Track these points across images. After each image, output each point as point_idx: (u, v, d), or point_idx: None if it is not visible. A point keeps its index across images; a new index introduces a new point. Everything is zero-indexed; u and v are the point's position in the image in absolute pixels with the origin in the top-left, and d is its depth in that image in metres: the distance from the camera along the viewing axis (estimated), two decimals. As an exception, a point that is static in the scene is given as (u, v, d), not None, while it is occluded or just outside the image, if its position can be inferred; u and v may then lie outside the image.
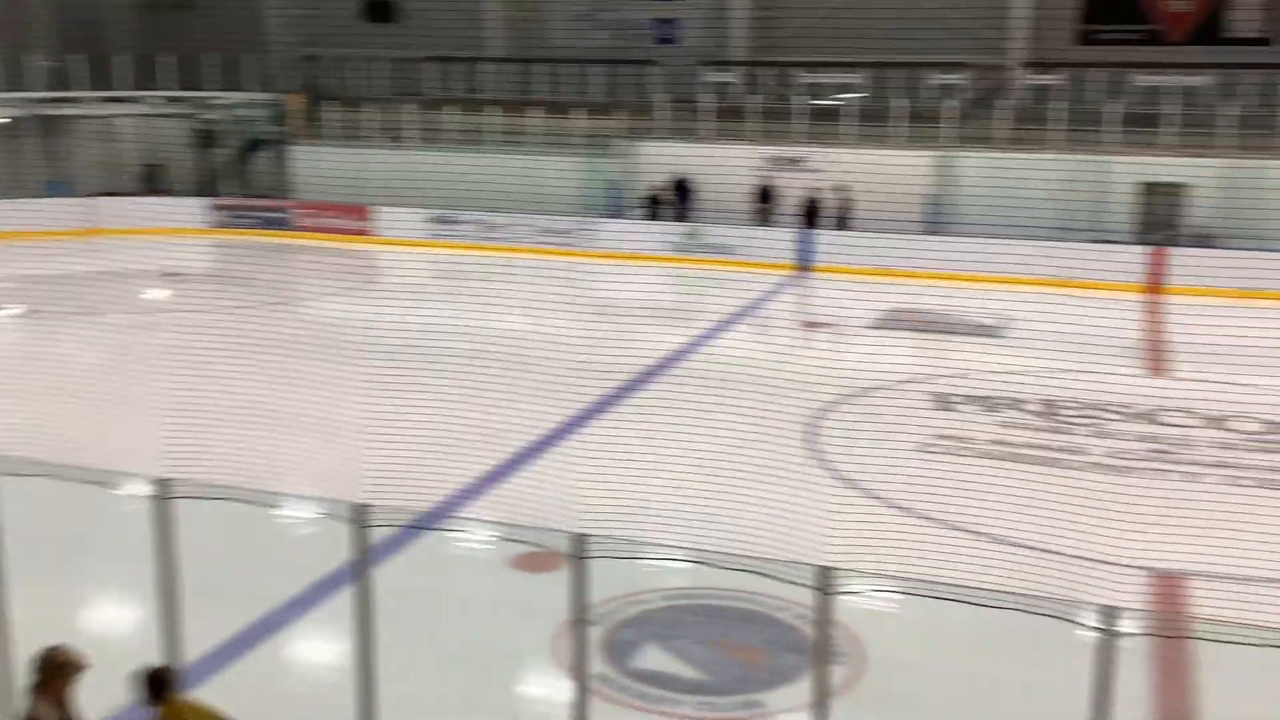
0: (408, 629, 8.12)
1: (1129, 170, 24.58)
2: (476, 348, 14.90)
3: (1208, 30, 27.84)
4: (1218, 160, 24.13)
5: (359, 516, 6.03)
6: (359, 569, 6.07)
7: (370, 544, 6.09)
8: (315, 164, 29.79)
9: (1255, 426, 13.21)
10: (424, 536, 9.50)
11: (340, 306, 20.77)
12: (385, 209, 28.25)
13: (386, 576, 8.62)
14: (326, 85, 32.85)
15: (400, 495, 9.38)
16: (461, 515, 10.29)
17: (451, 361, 14.28)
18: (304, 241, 28.35)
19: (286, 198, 30.30)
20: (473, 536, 9.85)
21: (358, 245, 27.96)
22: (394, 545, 9.21)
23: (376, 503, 6.25)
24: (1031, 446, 12.46)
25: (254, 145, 32.35)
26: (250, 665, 7.90)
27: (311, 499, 9.99)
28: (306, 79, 33.24)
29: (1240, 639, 5.30)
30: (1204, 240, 23.69)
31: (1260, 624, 6.18)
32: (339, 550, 6.25)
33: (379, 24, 33.50)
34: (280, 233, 29.01)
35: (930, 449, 12.30)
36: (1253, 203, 23.71)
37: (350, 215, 28.65)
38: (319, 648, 8.27)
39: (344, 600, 6.79)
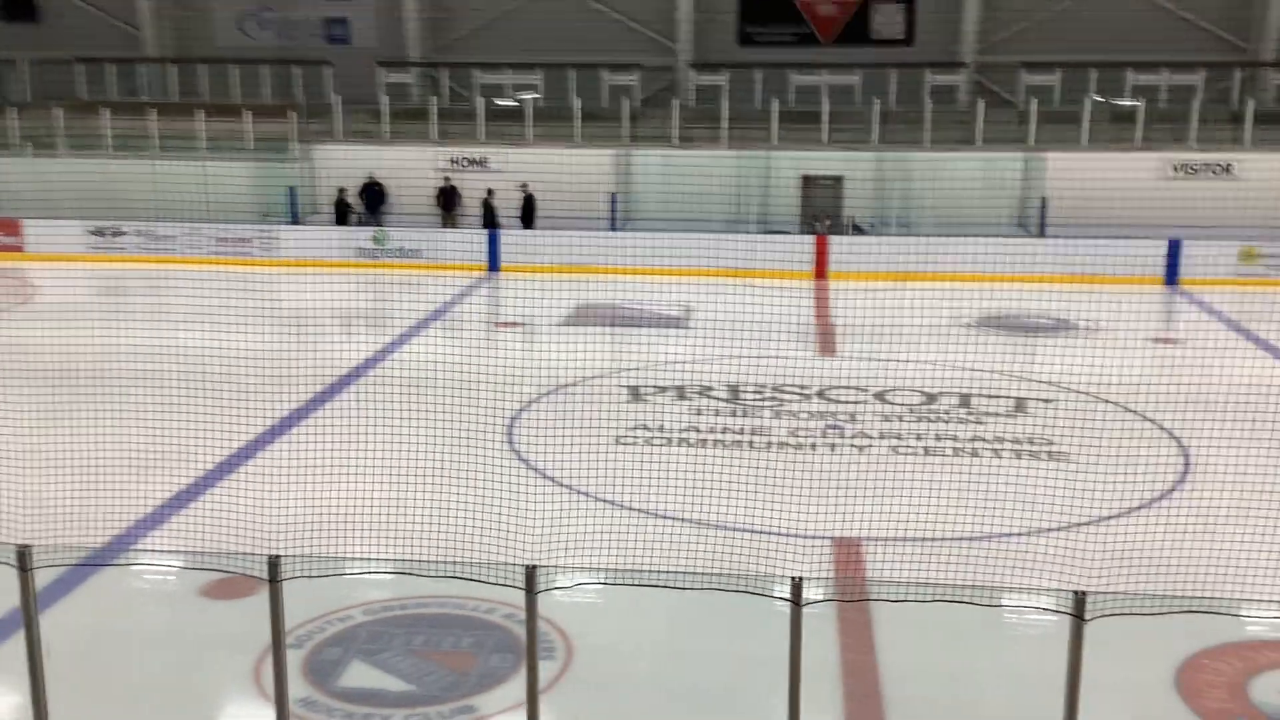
0: (88, 674, 7.54)
1: (791, 164, 26.10)
2: (149, 367, 14.00)
3: (856, 32, 30.00)
4: (868, 153, 26.05)
5: (21, 558, 5.54)
6: (25, 614, 5.57)
7: (36, 587, 5.60)
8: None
9: (915, 399, 14.35)
10: (99, 573, 8.84)
11: (-11, 330, 18.97)
12: (36, 222, 26.02)
13: (60, 620, 7.99)
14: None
15: (69, 532, 8.69)
16: (140, 548, 9.65)
17: (120, 383, 13.37)
18: (-58, 261, 25.70)
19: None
20: (155, 568, 9.26)
21: (6, 262, 25.62)
22: (65, 586, 8.52)
23: (41, 542, 5.76)
24: (720, 431, 13.02)
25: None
26: (-98, 735, 7.10)
27: (-34, 544, 9.08)
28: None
29: (911, 596, 5.74)
30: (859, 228, 25.53)
31: (927, 580, 6.73)
32: (3, 596, 5.72)
33: (19, 23, 30.83)
34: (-88, 252, 26.16)
35: (626, 440, 12.62)
36: (900, 192, 25.81)
37: (-5, 230, 26.21)
38: (-15, 706, 7.53)
39: (13, 650, 6.22)
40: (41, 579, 5.86)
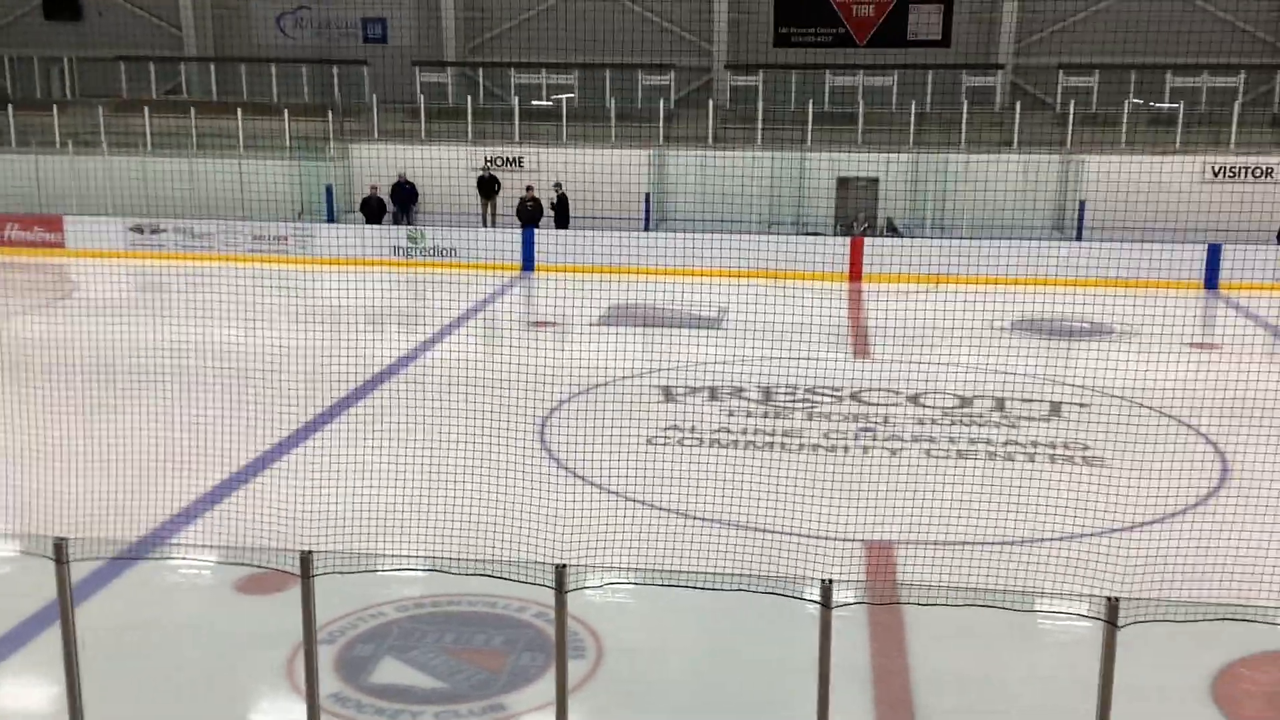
0: (123, 666, 7.62)
1: (826, 166, 26.03)
2: (186, 363, 14.14)
3: (892, 34, 29.84)
4: (903, 155, 25.94)
5: (58, 551, 5.60)
6: (61, 607, 5.64)
7: (73, 580, 5.66)
8: (-7, 172, 27.47)
9: (949, 402, 14.26)
10: (135, 567, 8.93)
11: (28, 325, 19.22)
12: (77, 218, 26.34)
13: (95, 613, 8.08)
14: (3, 87, 30.38)
15: (107, 525, 8.79)
16: (177, 542, 9.74)
17: (159, 379, 13.51)
18: (-16, 257, 26.07)
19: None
20: (190, 563, 9.34)
21: (47, 258, 25.96)
22: (102, 579, 8.62)
23: (78, 535, 5.82)
24: (753, 432, 12.99)
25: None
26: (-58, 723, 7.20)
27: (4, 535, 9.21)
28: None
29: (943, 601, 5.71)
30: (895, 230, 25.41)
31: (960, 585, 6.68)
32: (40, 588, 5.79)
33: (62, 22, 31.24)
34: (-44, 248, 26.57)
35: (658, 440, 12.61)
36: (935, 194, 25.67)
37: (37, 226, 26.56)
38: (24, 693, 7.63)
39: (49, 641, 6.30)
40: (77, 572, 5.92)
